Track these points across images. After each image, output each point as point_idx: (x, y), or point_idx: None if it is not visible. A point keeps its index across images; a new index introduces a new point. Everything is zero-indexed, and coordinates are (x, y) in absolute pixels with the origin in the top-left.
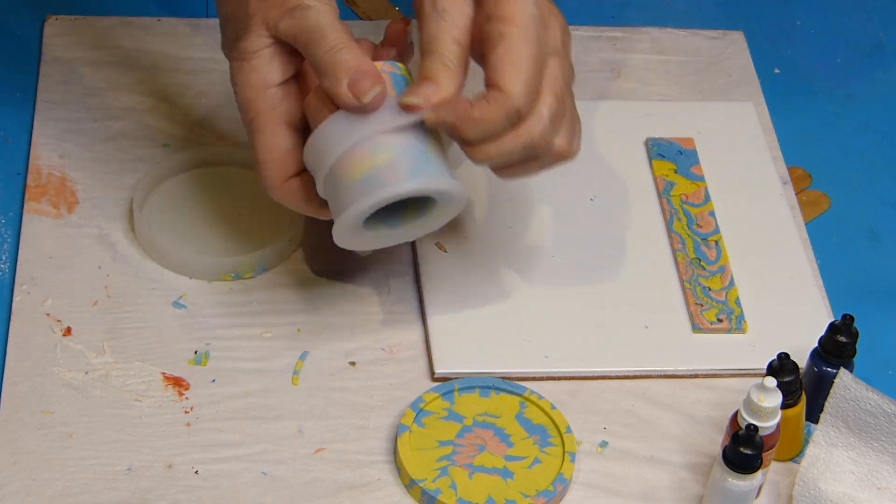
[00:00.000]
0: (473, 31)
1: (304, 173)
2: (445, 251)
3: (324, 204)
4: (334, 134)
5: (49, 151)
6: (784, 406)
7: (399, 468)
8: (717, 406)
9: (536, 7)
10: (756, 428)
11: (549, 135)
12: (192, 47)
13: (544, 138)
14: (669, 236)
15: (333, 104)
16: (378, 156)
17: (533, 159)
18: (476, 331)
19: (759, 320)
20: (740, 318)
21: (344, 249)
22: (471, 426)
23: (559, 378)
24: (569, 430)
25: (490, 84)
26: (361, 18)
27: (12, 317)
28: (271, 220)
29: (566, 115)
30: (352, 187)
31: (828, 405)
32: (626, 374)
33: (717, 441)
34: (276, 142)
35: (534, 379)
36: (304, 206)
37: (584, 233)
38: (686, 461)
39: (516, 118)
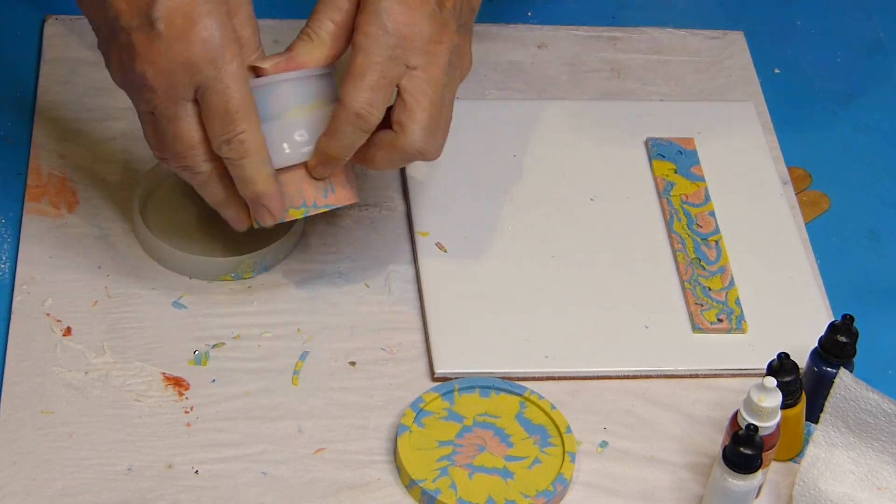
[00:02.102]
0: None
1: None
2: (445, 251)
3: None
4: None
5: (49, 151)
6: (784, 406)
7: (399, 468)
8: (717, 406)
9: (395, 30)
10: (756, 428)
11: (424, 146)
12: None
13: (420, 150)
14: (669, 236)
15: None
16: None
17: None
18: (476, 331)
19: (759, 320)
20: (740, 318)
21: (344, 250)
22: (471, 426)
23: (559, 378)
24: (569, 430)
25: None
26: None
27: (12, 317)
28: None
29: (442, 126)
30: None
31: (828, 405)
32: (626, 374)
33: (717, 441)
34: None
35: (534, 379)
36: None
37: (584, 233)
38: (686, 461)
39: (360, 124)
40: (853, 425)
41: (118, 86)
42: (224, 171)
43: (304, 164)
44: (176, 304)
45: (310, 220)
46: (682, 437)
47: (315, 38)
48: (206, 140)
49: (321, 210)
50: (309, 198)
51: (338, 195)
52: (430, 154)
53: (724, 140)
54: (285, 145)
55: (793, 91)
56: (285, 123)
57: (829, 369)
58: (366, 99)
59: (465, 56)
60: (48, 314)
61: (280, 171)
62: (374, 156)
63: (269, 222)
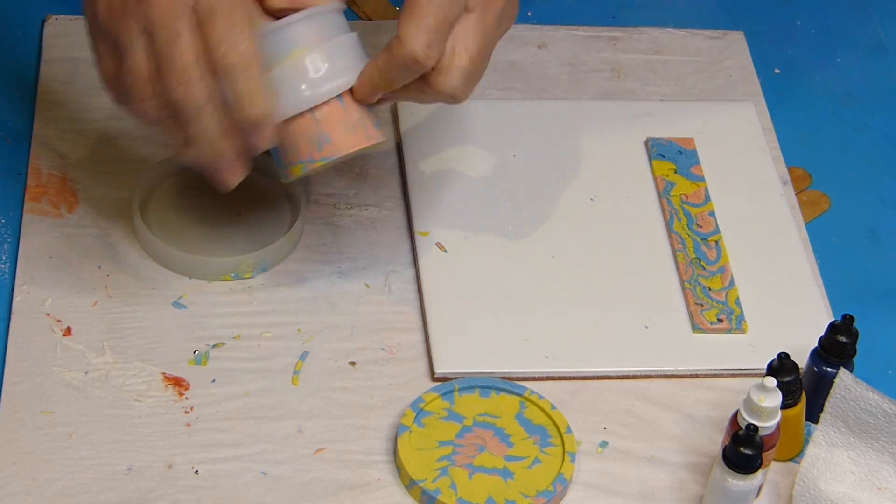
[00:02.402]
0: None
1: None
2: (445, 251)
3: None
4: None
5: (49, 151)
6: (784, 406)
7: (399, 468)
8: (717, 406)
9: None
10: (756, 428)
11: (459, 91)
12: None
13: (453, 94)
14: (669, 236)
15: None
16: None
17: (424, 94)
18: (476, 331)
19: (759, 320)
20: (740, 318)
21: (344, 249)
22: (471, 426)
23: (559, 378)
24: (569, 430)
25: (396, 34)
26: (361, 18)
27: (12, 317)
28: (271, 220)
29: (480, 72)
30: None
31: (828, 405)
32: (626, 374)
33: (717, 441)
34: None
35: (534, 379)
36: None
37: (584, 233)
38: (686, 461)
39: (416, 67)
40: (853, 425)
41: (99, 28)
42: (219, 101)
43: (300, 116)
44: (176, 304)
45: (309, 220)
46: (682, 437)
47: None
48: (202, 62)
49: (319, 165)
50: (304, 153)
51: (334, 145)
52: (460, 99)
53: (724, 140)
54: (303, 86)
55: (793, 91)
56: (298, 64)
57: (829, 369)
58: (425, 41)
59: (515, 5)
60: (48, 314)
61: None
62: (405, 90)
63: (263, 145)
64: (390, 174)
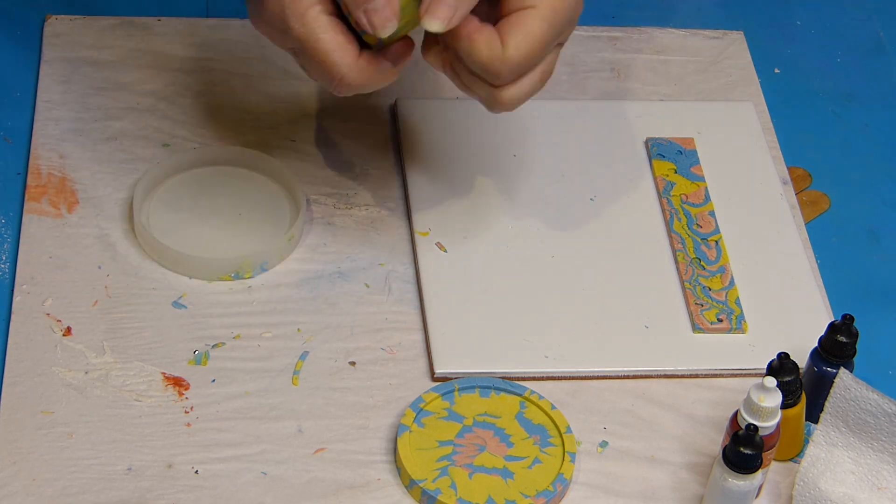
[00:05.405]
0: None
1: (364, 48)
2: (445, 251)
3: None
4: None
5: (49, 151)
6: (784, 406)
7: (399, 468)
8: (717, 406)
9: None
10: (756, 428)
11: (514, 104)
12: (192, 47)
13: (509, 104)
14: (669, 236)
15: None
16: None
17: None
18: (476, 331)
19: (759, 320)
20: (740, 318)
21: (344, 249)
22: (471, 426)
23: (559, 378)
24: (569, 430)
25: (499, 32)
26: None
27: (12, 317)
28: (271, 220)
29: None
30: None
31: (828, 405)
32: (626, 374)
33: (717, 441)
34: (336, 29)
35: (534, 379)
36: (381, 75)
37: (584, 233)
38: (686, 461)
39: (494, 77)
40: (853, 425)
41: None
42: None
43: None
44: (176, 304)
45: (309, 220)
46: (682, 437)
47: None
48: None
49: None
50: None
51: None
52: (505, 111)
53: (724, 140)
54: None
55: (793, 91)
56: None
57: (829, 369)
58: (520, 63)
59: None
60: (48, 314)
61: None
62: (464, 74)
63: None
64: (390, 174)
